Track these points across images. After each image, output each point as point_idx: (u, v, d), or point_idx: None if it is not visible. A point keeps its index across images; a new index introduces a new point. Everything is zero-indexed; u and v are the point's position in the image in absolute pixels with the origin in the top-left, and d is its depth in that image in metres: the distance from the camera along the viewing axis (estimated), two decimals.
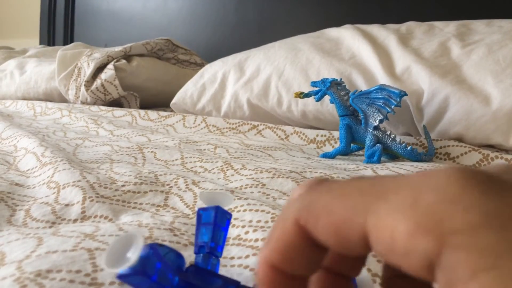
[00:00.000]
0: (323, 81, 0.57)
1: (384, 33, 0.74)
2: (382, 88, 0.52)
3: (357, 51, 0.73)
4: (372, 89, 0.53)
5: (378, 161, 0.50)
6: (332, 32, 0.81)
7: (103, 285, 0.21)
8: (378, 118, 0.52)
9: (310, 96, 0.57)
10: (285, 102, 0.74)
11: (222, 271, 0.23)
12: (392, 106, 0.51)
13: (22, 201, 0.35)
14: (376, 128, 0.52)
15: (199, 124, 0.75)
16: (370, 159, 0.51)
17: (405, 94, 0.51)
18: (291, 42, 0.83)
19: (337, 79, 0.57)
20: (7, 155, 0.51)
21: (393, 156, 0.53)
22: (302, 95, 0.57)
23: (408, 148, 0.51)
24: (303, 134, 0.66)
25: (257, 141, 0.64)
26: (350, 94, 0.55)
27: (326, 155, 0.54)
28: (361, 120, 0.54)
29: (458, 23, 0.73)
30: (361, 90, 0.55)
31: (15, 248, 0.24)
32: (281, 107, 0.74)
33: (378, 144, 0.51)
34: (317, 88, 0.57)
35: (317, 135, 0.64)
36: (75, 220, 0.32)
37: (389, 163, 0.48)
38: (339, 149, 0.54)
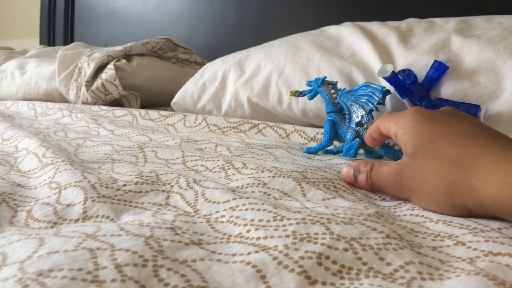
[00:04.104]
0: (316, 80, 0.59)
1: (384, 30, 0.74)
2: (367, 85, 0.53)
3: (357, 49, 0.73)
4: (358, 86, 0.54)
5: (354, 155, 0.51)
6: (332, 29, 0.81)
7: (104, 282, 0.21)
8: (361, 115, 0.52)
9: (304, 95, 0.59)
10: (286, 101, 0.74)
11: (224, 268, 0.23)
12: (375, 103, 0.52)
13: (24, 202, 0.35)
14: (358, 124, 0.53)
15: (199, 124, 0.75)
16: (347, 153, 0.52)
17: (389, 92, 0.52)
18: (291, 40, 0.83)
19: (330, 80, 0.59)
20: (8, 156, 0.51)
21: (378, 155, 0.53)
22: (297, 93, 0.59)
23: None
24: (304, 132, 0.66)
25: (258, 140, 0.64)
26: (338, 91, 0.56)
27: (309, 150, 0.55)
28: (346, 117, 0.54)
29: (458, 20, 0.73)
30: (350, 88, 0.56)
31: (16, 248, 0.24)
32: (282, 105, 0.74)
33: (356, 139, 0.51)
34: (311, 88, 0.59)
35: (317, 133, 0.64)
36: (76, 220, 0.32)
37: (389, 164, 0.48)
38: (322, 144, 0.55)
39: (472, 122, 0.33)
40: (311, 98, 0.59)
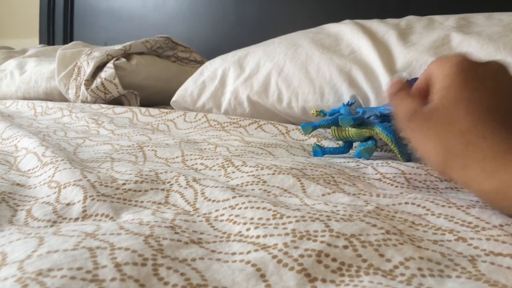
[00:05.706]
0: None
1: (383, 28, 0.74)
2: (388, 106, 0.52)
3: (357, 47, 0.72)
4: (381, 106, 0.55)
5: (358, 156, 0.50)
6: (332, 27, 0.81)
7: (104, 281, 0.21)
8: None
9: (325, 114, 0.62)
10: (285, 99, 0.74)
11: (223, 267, 0.23)
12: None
13: (24, 201, 0.35)
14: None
15: (200, 119, 0.75)
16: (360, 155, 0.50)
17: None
18: (290, 38, 0.82)
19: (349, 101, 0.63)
20: (8, 155, 0.51)
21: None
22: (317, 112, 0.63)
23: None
24: None
25: (258, 137, 0.64)
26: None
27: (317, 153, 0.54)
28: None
29: (458, 17, 0.73)
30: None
31: (16, 248, 0.24)
32: (281, 103, 0.74)
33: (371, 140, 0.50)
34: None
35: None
36: (76, 219, 0.32)
37: (390, 160, 0.48)
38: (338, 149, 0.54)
39: (500, 90, 0.32)
40: (330, 114, 0.61)
